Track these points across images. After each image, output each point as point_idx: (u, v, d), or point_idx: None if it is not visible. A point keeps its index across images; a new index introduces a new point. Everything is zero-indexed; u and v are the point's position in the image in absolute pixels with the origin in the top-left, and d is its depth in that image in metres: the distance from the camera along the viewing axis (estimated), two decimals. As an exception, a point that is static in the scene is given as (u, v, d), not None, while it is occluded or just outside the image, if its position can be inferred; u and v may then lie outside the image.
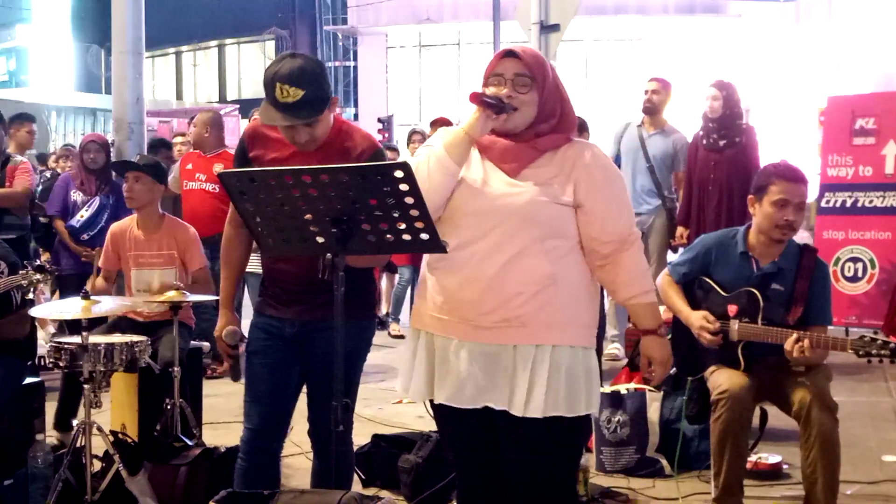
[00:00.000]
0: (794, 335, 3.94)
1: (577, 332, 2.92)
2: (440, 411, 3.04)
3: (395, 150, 10.01)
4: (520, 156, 2.92)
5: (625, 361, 6.20)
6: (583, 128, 7.88)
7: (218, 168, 6.57)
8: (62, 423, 5.10)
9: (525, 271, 2.85)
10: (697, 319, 4.19)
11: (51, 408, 4.99)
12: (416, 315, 3.07)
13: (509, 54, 2.95)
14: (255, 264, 4.25)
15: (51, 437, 4.93)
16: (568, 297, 2.89)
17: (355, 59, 33.11)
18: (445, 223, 2.93)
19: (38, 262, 4.34)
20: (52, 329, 7.87)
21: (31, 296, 4.34)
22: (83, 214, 6.78)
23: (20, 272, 4.30)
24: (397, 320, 9.31)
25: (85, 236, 6.75)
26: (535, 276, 2.85)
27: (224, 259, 3.63)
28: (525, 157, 2.92)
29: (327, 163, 3.14)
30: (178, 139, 9.22)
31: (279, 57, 3.25)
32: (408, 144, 9.55)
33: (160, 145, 9.05)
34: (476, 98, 2.87)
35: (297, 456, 4.68)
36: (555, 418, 2.85)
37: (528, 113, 2.92)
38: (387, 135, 21.58)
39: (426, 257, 3.05)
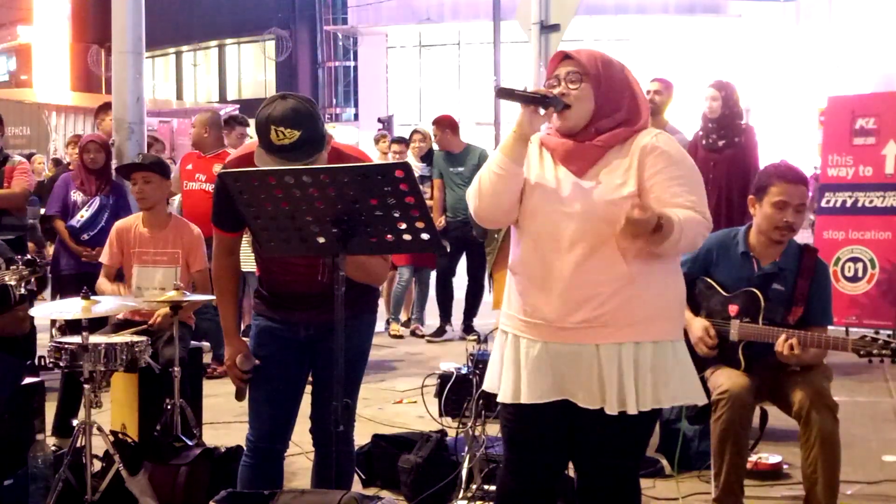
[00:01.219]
0: (784, 335, 3.95)
1: (660, 326, 2.94)
2: (519, 412, 3.05)
3: (404, 142, 9.93)
4: (584, 155, 2.95)
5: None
6: None
7: (217, 168, 6.57)
8: (62, 428, 5.09)
9: (601, 271, 2.88)
10: (698, 329, 4.18)
11: (50, 408, 4.99)
12: (503, 317, 3.11)
13: (565, 57, 3.00)
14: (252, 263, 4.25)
15: (50, 440, 4.92)
16: (648, 292, 2.91)
17: (355, 58, 33.16)
18: (523, 225, 3.00)
19: (27, 257, 4.31)
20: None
21: (23, 290, 4.30)
22: (83, 214, 6.77)
23: (11, 268, 4.28)
24: (397, 320, 9.30)
25: (85, 236, 6.74)
26: (612, 276, 2.88)
27: (219, 289, 3.57)
28: (590, 156, 2.94)
29: None
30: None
31: (269, 99, 3.18)
32: (408, 144, 9.55)
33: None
34: (501, 93, 2.90)
35: (297, 456, 4.68)
36: (636, 414, 2.89)
37: (583, 108, 2.95)
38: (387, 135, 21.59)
39: (511, 261, 3.08)
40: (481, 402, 4.29)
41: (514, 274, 3.05)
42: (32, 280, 4.28)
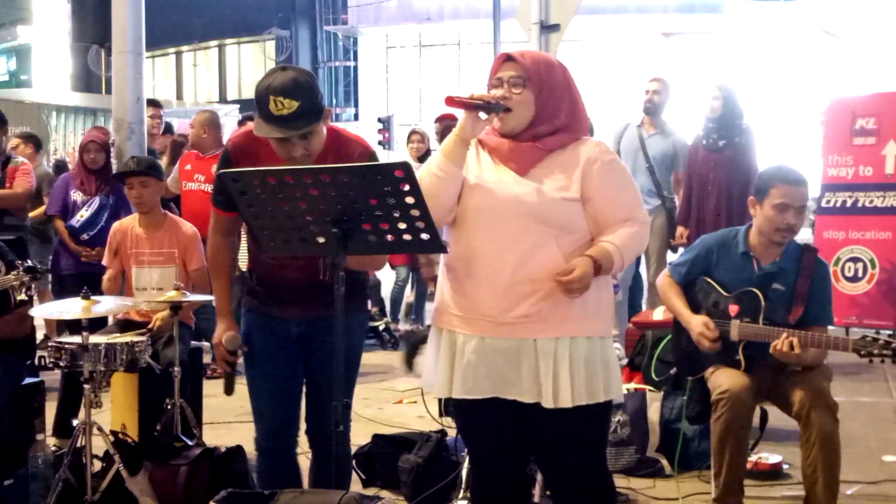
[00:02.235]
0: (784, 334, 3.95)
1: (593, 322, 3.01)
2: (462, 407, 3.12)
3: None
4: (525, 156, 3.00)
5: (625, 361, 6.21)
6: (589, 130, 7.89)
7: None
8: (62, 429, 5.09)
9: (541, 267, 2.93)
10: (697, 325, 4.19)
11: (51, 408, 4.99)
12: (437, 313, 3.16)
13: (508, 58, 3.04)
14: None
15: (50, 440, 4.92)
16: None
17: (355, 58, 33.16)
18: (460, 223, 3.05)
19: (28, 263, 4.32)
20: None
21: (23, 296, 4.31)
22: (83, 214, 6.77)
23: (11, 273, 4.28)
24: (396, 320, 9.30)
25: (85, 236, 6.74)
26: (551, 272, 2.92)
27: (213, 268, 3.59)
28: (531, 157, 3.00)
29: None
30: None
31: (269, 71, 3.21)
32: (407, 144, 9.50)
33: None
34: (449, 101, 2.94)
35: (298, 456, 4.68)
36: (579, 406, 2.94)
37: (523, 113, 3.00)
38: (387, 135, 21.59)
39: (443, 257, 3.12)
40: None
41: (451, 270, 3.09)
42: (33, 286, 4.28)
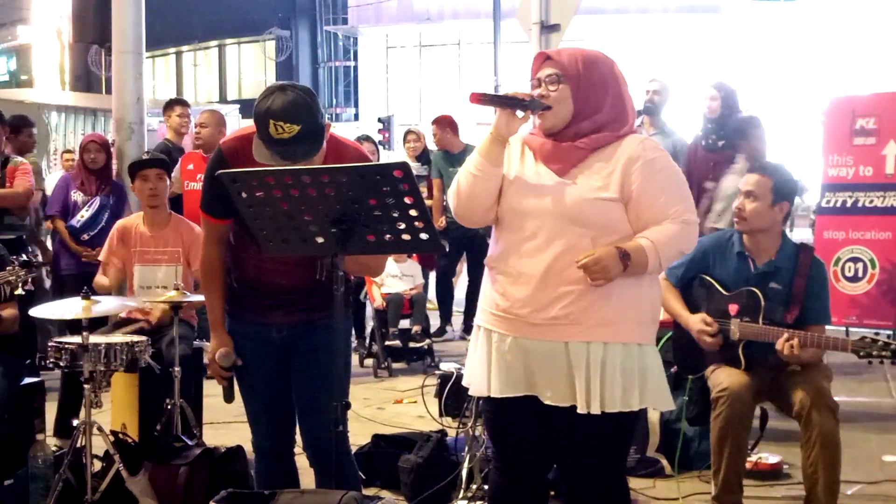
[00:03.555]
0: (784, 335, 3.95)
1: (629, 329, 2.94)
2: (494, 405, 3.08)
3: (371, 141, 9.74)
4: (566, 156, 2.96)
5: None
6: None
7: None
8: (62, 429, 5.09)
9: (573, 269, 2.88)
10: (696, 323, 4.19)
11: (51, 408, 4.99)
12: (478, 311, 3.13)
13: (544, 58, 3.02)
14: None
15: (50, 440, 4.92)
16: (620, 294, 2.91)
17: (355, 58, 33.14)
18: (500, 222, 3.04)
19: (23, 258, 4.31)
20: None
21: (20, 291, 4.29)
22: (83, 214, 6.78)
23: (7, 268, 4.27)
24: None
25: (85, 236, 6.74)
26: (581, 276, 2.88)
27: (207, 279, 3.47)
28: (572, 157, 2.96)
29: None
30: None
31: (267, 91, 3.12)
32: (404, 144, 9.50)
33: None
34: (474, 98, 2.89)
35: (298, 456, 4.68)
36: (611, 413, 2.89)
37: (562, 110, 2.96)
38: (387, 135, 21.58)
39: (488, 256, 3.10)
40: (481, 401, 4.28)
41: (491, 269, 3.08)
42: (29, 281, 4.27)
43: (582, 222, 2.89)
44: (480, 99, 2.88)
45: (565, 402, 2.92)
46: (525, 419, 3.04)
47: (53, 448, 4.65)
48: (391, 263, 7.02)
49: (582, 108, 2.96)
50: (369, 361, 7.74)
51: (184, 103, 8.13)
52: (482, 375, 3.05)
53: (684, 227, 2.93)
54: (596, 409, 2.87)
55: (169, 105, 8.13)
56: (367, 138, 8.67)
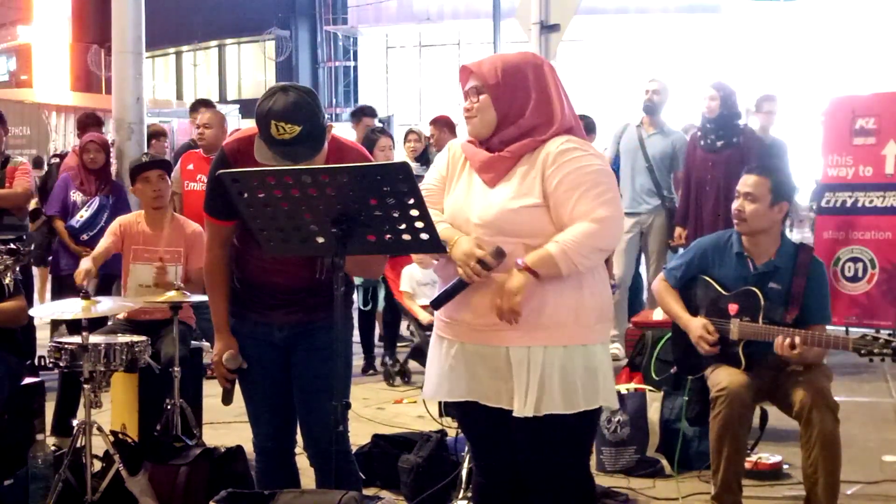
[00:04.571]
0: (782, 335, 3.96)
1: (570, 331, 2.95)
2: (456, 408, 3.19)
3: (387, 134, 9.70)
4: (495, 166, 3.00)
5: (625, 361, 6.21)
6: (590, 128, 7.88)
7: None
8: (61, 427, 5.09)
9: (506, 276, 2.90)
10: (697, 328, 4.19)
11: (51, 408, 4.99)
12: (435, 320, 3.19)
13: (466, 70, 3.07)
14: None
15: (50, 440, 4.92)
16: (559, 298, 2.93)
17: (355, 58, 33.13)
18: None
19: (10, 246, 4.29)
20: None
21: (9, 279, 4.27)
22: (83, 214, 6.78)
23: None
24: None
25: (84, 236, 6.74)
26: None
27: (211, 283, 3.47)
28: (501, 167, 2.99)
29: None
30: None
31: (269, 91, 3.13)
32: (404, 144, 9.46)
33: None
34: (433, 306, 3.07)
35: (299, 455, 4.69)
36: (555, 415, 2.91)
37: (485, 117, 3.01)
38: (386, 135, 21.53)
39: (435, 265, 3.17)
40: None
41: (439, 276, 3.15)
42: (17, 269, 4.25)
43: (510, 231, 2.92)
44: (439, 303, 3.01)
45: (503, 405, 2.96)
46: (479, 421, 3.10)
47: (53, 448, 4.65)
48: (419, 271, 6.86)
49: (504, 114, 2.99)
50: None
51: (209, 104, 8.14)
52: (433, 378, 3.13)
53: (596, 226, 2.87)
54: (529, 413, 2.90)
55: (194, 107, 8.14)
56: (383, 132, 8.54)
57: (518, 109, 2.99)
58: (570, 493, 3.09)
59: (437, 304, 3.03)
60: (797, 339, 3.91)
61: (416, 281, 6.90)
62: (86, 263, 5.15)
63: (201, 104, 8.11)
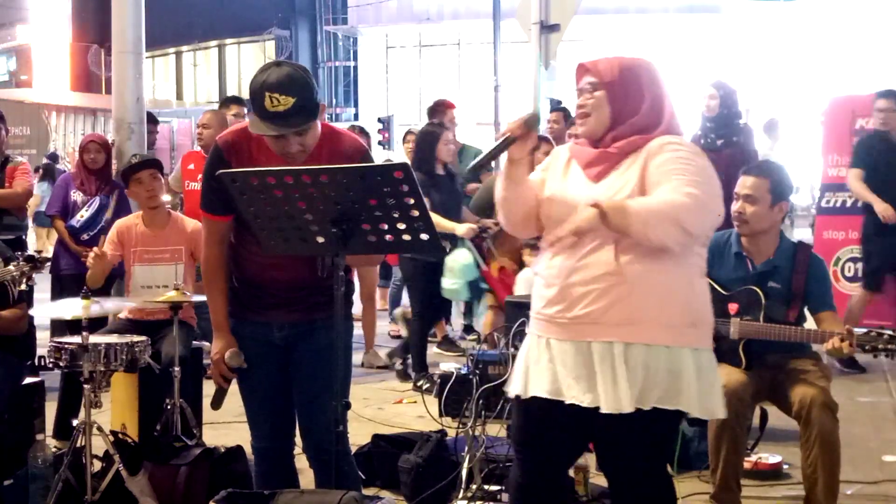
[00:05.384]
0: (791, 330, 3.97)
1: (653, 330, 2.92)
2: (528, 406, 3.11)
3: (365, 133, 9.60)
4: (601, 162, 3.02)
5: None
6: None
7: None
8: (62, 431, 5.08)
9: (592, 270, 2.93)
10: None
11: (51, 408, 4.99)
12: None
13: (582, 68, 3.10)
14: None
15: (50, 440, 4.92)
16: (643, 295, 2.90)
17: (355, 59, 33.17)
18: (544, 228, 3.11)
19: (28, 253, 4.30)
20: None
21: (24, 286, 4.29)
22: (83, 214, 6.77)
23: (11, 265, 4.26)
24: (394, 320, 9.28)
25: (85, 236, 6.74)
26: (600, 274, 2.92)
27: (209, 280, 3.44)
28: (606, 162, 3.01)
29: None
30: None
31: (264, 66, 3.15)
32: (403, 144, 9.48)
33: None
34: (470, 173, 3.06)
35: (299, 456, 4.69)
36: (638, 412, 2.89)
37: (600, 115, 3.03)
38: (387, 135, 21.58)
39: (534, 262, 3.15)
40: (481, 402, 4.29)
41: (535, 274, 3.16)
42: (33, 276, 4.27)
43: (601, 226, 2.89)
44: (478, 168, 3.00)
45: (588, 403, 2.93)
46: (562, 420, 3.05)
47: (53, 448, 4.65)
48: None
49: (619, 111, 3.02)
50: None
51: (240, 102, 8.10)
52: (518, 375, 3.12)
53: (682, 199, 2.81)
54: (616, 409, 2.89)
55: (225, 103, 8.13)
56: (362, 130, 8.49)
57: (632, 108, 3.01)
58: (647, 495, 3.08)
59: (479, 166, 3.09)
60: (844, 345, 3.85)
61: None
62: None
63: (233, 101, 8.09)
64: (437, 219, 6.18)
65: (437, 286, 6.73)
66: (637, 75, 3.05)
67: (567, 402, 2.96)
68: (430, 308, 7.05)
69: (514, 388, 3.14)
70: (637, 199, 2.87)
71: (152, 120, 8.61)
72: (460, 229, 6.48)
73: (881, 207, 6.87)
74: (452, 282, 6.65)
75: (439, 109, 8.42)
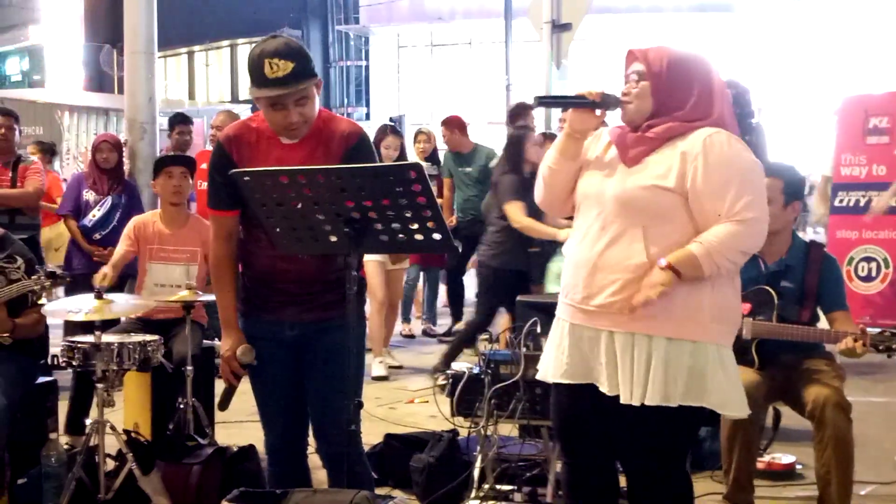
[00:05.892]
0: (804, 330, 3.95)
1: (678, 324, 2.91)
2: (558, 390, 3.14)
3: (397, 133, 9.60)
4: (638, 146, 3.00)
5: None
6: None
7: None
8: (74, 426, 5.10)
9: (620, 258, 2.92)
10: None
11: (64, 407, 5.00)
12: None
13: (631, 55, 3.10)
14: None
15: (63, 438, 4.93)
16: (671, 289, 2.88)
17: (367, 58, 33.16)
18: (577, 208, 3.13)
19: (49, 268, 4.34)
20: None
21: (42, 300, 4.34)
22: (95, 214, 6.79)
23: (32, 277, 4.28)
24: (407, 320, 9.29)
25: (97, 235, 6.76)
26: (629, 264, 2.91)
27: (218, 278, 3.43)
28: (643, 147, 2.99)
29: (315, 153, 3.15)
30: None
31: (260, 41, 3.21)
32: (413, 144, 9.45)
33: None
34: (537, 101, 3.12)
35: (311, 455, 4.69)
36: (657, 407, 2.88)
37: (642, 105, 3.02)
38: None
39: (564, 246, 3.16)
40: (493, 401, 4.29)
41: (565, 256, 3.18)
42: (53, 293, 4.30)
43: (634, 209, 2.91)
44: (544, 102, 2.97)
45: (608, 392, 2.95)
46: (583, 407, 3.06)
47: (66, 447, 4.66)
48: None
49: (661, 104, 3.00)
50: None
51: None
52: (548, 360, 3.13)
53: (742, 228, 2.87)
54: (631, 400, 2.89)
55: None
56: (395, 129, 8.44)
57: (677, 102, 2.99)
58: (663, 490, 3.06)
59: (542, 100, 3.14)
60: (857, 345, 3.84)
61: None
62: (105, 270, 5.24)
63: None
64: (536, 225, 6.18)
65: (514, 295, 6.59)
66: (686, 69, 3.02)
67: (601, 389, 2.97)
68: (493, 316, 7.00)
69: (541, 372, 3.17)
70: (701, 244, 2.85)
71: (184, 119, 8.61)
72: (562, 234, 6.07)
73: None
74: None
75: (522, 112, 8.37)
